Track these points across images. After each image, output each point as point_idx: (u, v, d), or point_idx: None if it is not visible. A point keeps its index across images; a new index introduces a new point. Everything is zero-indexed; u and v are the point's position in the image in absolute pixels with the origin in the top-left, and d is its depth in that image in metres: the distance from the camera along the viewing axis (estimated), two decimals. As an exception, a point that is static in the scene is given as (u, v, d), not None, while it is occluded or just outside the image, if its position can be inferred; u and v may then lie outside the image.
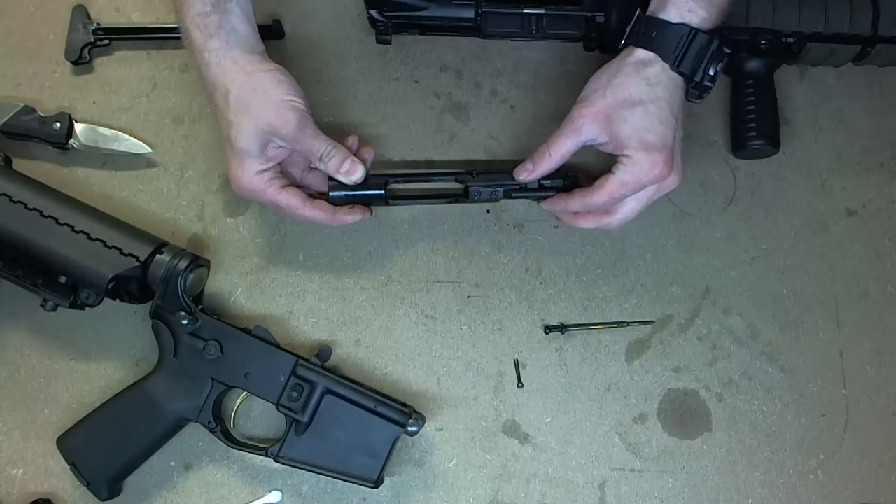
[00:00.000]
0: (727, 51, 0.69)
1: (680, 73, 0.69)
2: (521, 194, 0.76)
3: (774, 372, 0.79)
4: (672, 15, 0.69)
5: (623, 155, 0.69)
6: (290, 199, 0.72)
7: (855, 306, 0.81)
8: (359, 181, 0.74)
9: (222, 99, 0.70)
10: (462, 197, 0.77)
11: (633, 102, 0.68)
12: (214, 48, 0.69)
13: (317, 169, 0.75)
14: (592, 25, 0.80)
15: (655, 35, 0.69)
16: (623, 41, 0.72)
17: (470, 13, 0.80)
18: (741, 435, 0.77)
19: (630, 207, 0.72)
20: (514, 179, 0.75)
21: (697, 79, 0.70)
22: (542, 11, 0.80)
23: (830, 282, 0.81)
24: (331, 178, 0.74)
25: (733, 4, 0.71)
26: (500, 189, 0.76)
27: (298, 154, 0.74)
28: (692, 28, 0.68)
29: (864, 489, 0.76)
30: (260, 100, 0.69)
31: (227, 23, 0.70)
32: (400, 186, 0.78)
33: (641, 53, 0.70)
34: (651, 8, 0.71)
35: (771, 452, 0.77)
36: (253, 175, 0.71)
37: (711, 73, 0.69)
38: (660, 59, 0.69)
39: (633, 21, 0.71)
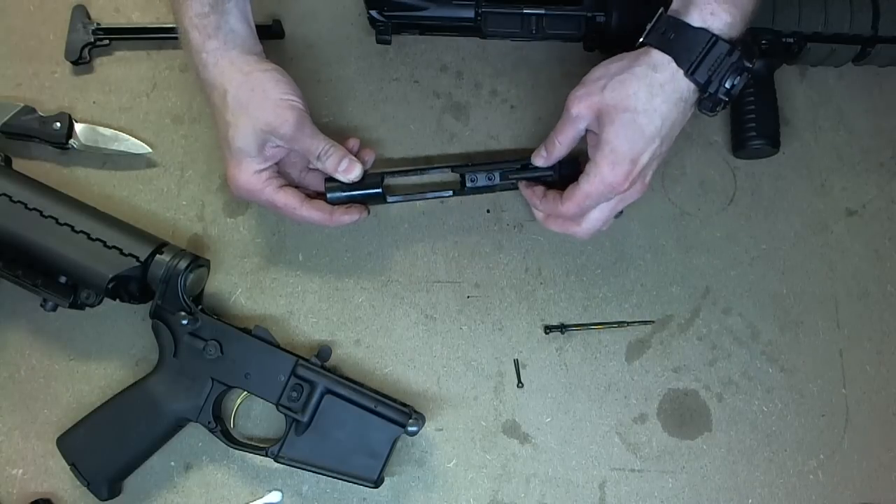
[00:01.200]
0: (748, 65, 0.65)
1: (694, 82, 0.66)
2: (517, 176, 0.75)
3: (774, 372, 0.79)
4: (693, 17, 0.65)
5: (592, 159, 0.68)
6: (288, 199, 0.72)
7: (855, 306, 0.80)
8: (356, 179, 0.74)
9: (220, 99, 0.70)
10: (459, 189, 0.77)
11: (625, 107, 0.66)
12: (212, 49, 0.69)
13: (315, 169, 0.75)
14: (592, 25, 0.80)
15: (674, 37, 0.65)
16: (641, 38, 0.68)
17: (470, 13, 0.80)
18: (741, 435, 0.77)
19: (595, 217, 0.71)
20: (510, 165, 0.75)
21: (712, 90, 0.66)
22: (542, 11, 0.80)
23: (830, 282, 0.81)
24: (328, 178, 0.74)
25: (759, 8, 0.67)
26: (497, 173, 0.75)
27: (296, 154, 0.74)
28: (713, 35, 0.64)
29: (864, 489, 0.76)
30: (258, 99, 0.69)
31: (225, 23, 0.70)
32: (396, 181, 0.78)
33: (657, 56, 0.66)
34: (674, 6, 0.67)
35: (771, 452, 0.77)
36: (250, 175, 0.72)
37: (728, 86, 0.65)
38: (674, 62, 0.65)
39: (654, 19, 0.68)
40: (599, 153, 0.67)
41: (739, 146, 0.81)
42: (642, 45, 0.68)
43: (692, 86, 0.66)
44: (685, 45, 0.65)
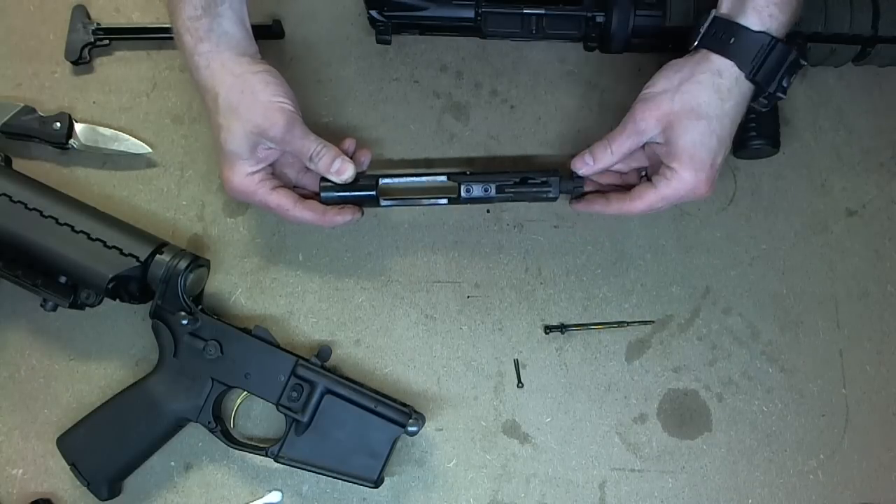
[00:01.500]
0: (804, 63, 0.67)
1: (754, 83, 0.67)
2: (513, 190, 0.75)
3: (774, 372, 0.79)
4: (752, 21, 0.66)
5: (668, 167, 0.69)
6: (281, 200, 0.72)
7: (855, 306, 0.80)
8: (349, 180, 0.73)
9: (212, 102, 0.70)
10: (455, 198, 0.76)
11: (699, 115, 0.67)
12: (204, 51, 0.69)
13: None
14: (592, 25, 0.80)
15: (734, 41, 0.66)
16: (696, 42, 0.69)
17: (470, 13, 0.80)
18: (741, 435, 0.77)
19: (659, 207, 0.72)
20: (508, 178, 0.75)
21: (771, 89, 0.67)
22: (542, 11, 0.80)
23: (830, 282, 0.81)
24: (322, 179, 0.74)
25: (802, 7, 0.69)
26: (493, 186, 0.75)
27: (291, 155, 0.74)
28: (773, 37, 0.66)
29: (864, 489, 0.76)
30: (248, 102, 0.69)
31: (218, 26, 0.69)
32: (391, 185, 0.78)
33: (718, 61, 0.67)
34: (726, 9, 0.68)
35: (771, 452, 0.77)
36: (244, 177, 0.71)
37: (785, 84, 0.67)
38: (736, 67, 0.66)
39: (707, 22, 0.68)
40: (677, 162, 0.68)
41: (739, 146, 0.81)
42: (696, 48, 0.68)
43: (752, 85, 0.67)
44: (746, 48, 0.66)
